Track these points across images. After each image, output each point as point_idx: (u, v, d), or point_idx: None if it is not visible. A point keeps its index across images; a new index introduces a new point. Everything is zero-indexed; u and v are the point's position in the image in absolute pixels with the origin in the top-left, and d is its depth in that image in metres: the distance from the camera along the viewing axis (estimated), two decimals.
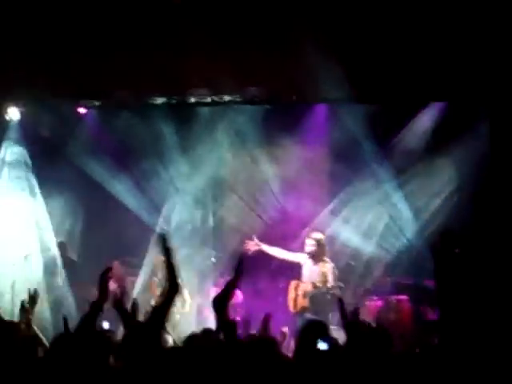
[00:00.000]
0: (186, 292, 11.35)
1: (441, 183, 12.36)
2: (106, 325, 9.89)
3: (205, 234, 13.14)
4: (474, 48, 8.78)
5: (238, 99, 10.19)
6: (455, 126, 12.06)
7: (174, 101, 10.39)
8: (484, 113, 11.14)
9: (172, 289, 5.08)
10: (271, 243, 12.56)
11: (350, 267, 12.27)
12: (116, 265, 12.14)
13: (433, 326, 9.97)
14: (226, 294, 5.26)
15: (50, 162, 12.50)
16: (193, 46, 9.23)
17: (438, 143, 12.38)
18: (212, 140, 13.22)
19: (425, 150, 12.48)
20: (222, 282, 11.79)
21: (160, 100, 10.32)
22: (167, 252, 5.07)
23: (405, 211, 12.64)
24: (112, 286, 11.57)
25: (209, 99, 10.14)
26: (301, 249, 11.80)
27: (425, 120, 12.17)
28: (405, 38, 8.82)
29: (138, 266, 12.68)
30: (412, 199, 12.50)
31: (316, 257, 11.35)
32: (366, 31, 8.89)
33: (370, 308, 11.55)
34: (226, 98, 10.12)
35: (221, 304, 5.17)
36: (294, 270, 11.85)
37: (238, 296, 11.93)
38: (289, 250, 11.98)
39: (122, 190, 13.31)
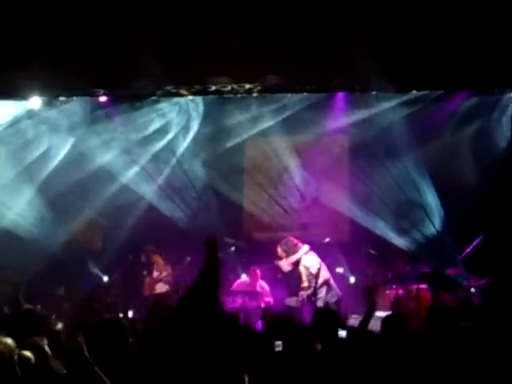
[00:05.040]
0: None
1: (467, 172, 12.37)
2: (130, 313, 10.10)
3: (222, 222, 13.18)
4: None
5: (258, 87, 10.17)
6: (479, 113, 12.11)
7: (194, 89, 10.39)
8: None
9: (213, 284, 5.08)
10: (291, 231, 12.63)
11: (370, 256, 12.31)
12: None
13: (453, 314, 9.97)
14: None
15: None
16: (212, 33, 9.20)
17: (462, 131, 12.43)
18: (232, 128, 13.27)
19: (451, 138, 12.53)
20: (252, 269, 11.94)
21: (181, 88, 10.33)
22: (214, 254, 5.00)
23: (431, 199, 12.64)
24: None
25: (229, 87, 10.12)
26: (321, 237, 11.86)
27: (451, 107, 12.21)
28: (429, 25, 8.78)
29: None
30: (438, 187, 12.50)
31: None
32: (393, 16, 8.83)
33: (390, 297, 11.56)
34: (247, 86, 10.10)
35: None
36: None
37: (264, 287, 11.98)
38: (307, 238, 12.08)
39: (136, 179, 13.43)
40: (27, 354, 5.02)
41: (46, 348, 5.40)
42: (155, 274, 12.43)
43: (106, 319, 5.45)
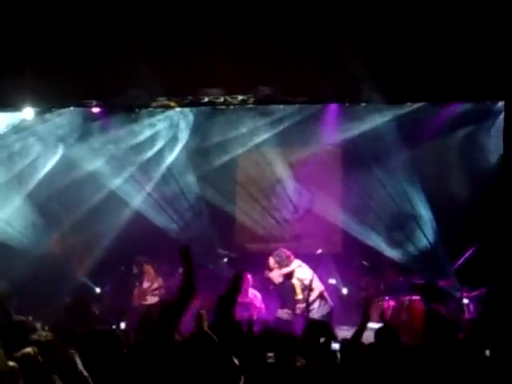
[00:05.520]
0: None
1: (459, 183, 12.39)
2: (122, 325, 10.04)
3: (215, 233, 13.15)
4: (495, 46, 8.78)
5: (251, 99, 10.18)
6: (472, 124, 12.14)
7: (187, 101, 10.41)
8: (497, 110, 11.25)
9: (188, 294, 5.17)
10: (283, 242, 12.61)
11: (363, 267, 12.30)
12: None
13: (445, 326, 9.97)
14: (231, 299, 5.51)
15: None
16: (204, 44, 9.22)
17: (455, 142, 12.47)
18: (224, 140, 13.26)
19: (444, 149, 12.57)
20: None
21: (173, 100, 10.34)
22: (189, 262, 5.20)
23: (423, 210, 12.66)
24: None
25: (222, 99, 10.14)
26: (313, 248, 11.82)
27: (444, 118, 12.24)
28: (422, 36, 8.81)
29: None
30: (431, 198, 12.51)
31: None
32: (386, 27, 8.86)
33: (383, 308, 11.54)
34: (239, 97, 10.11)
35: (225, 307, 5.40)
36: None
37: (256, 294, 11.89)
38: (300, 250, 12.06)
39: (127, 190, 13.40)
40: (12, 364, 4.98)
41: (39, 358, 5.36)
42: (146, 284, 12.39)
43: (100, 330, 5.43)
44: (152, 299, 12.23)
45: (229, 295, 5.75)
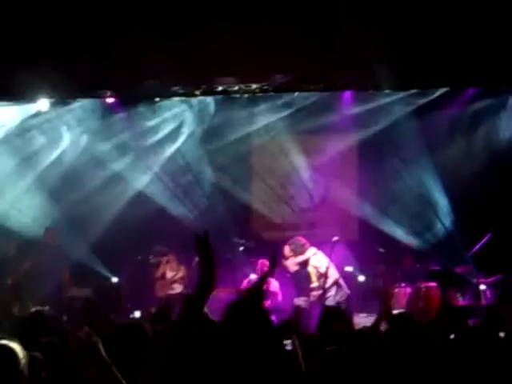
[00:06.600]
0: None
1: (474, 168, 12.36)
2: (137, 314, 10.06)
3: (231, 222, 13.16)
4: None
5: (265, 87, 10.18)
6: (486, 108, 12.09)
7: (201, 89, 10.41)
8: None
9: (209, 286, 5.16)
10: (300, 230, 12.61)
11: (379, 254, 12.29)
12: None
13: (462, 312, 9.97)
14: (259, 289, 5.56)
15: None
16: (219, 33, 9.21)
17: (471, 129, 12.43)
18: (242, 129, 13.26)
19: (459, 134, 12.54)
20: (261, 263, 11.80)
21: (188, 89, 10.36)
22: (207, 251, 5.11)
23: (439, 197, 12.63)
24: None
25: (236, 87, 10.14)
26: (330, 236, 11.81)
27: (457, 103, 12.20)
28: (438, 23, 8.76)
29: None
30: (447, 184, 12.49)
31: None
32: (401, 13, 8.83)
33: (400, 295, 11.54)
34: (254, 85, 10.11)
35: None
36: None
37: (273, 282, 11.87)
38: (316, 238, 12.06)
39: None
40: (37, 354, 5.00)
41: (63, 347, 5.39)
42: (170, 274, 12.40)
43: (125, 324, 5.43)
44: (179, 288, 12.26)
45: (258, 287, 5.78)
